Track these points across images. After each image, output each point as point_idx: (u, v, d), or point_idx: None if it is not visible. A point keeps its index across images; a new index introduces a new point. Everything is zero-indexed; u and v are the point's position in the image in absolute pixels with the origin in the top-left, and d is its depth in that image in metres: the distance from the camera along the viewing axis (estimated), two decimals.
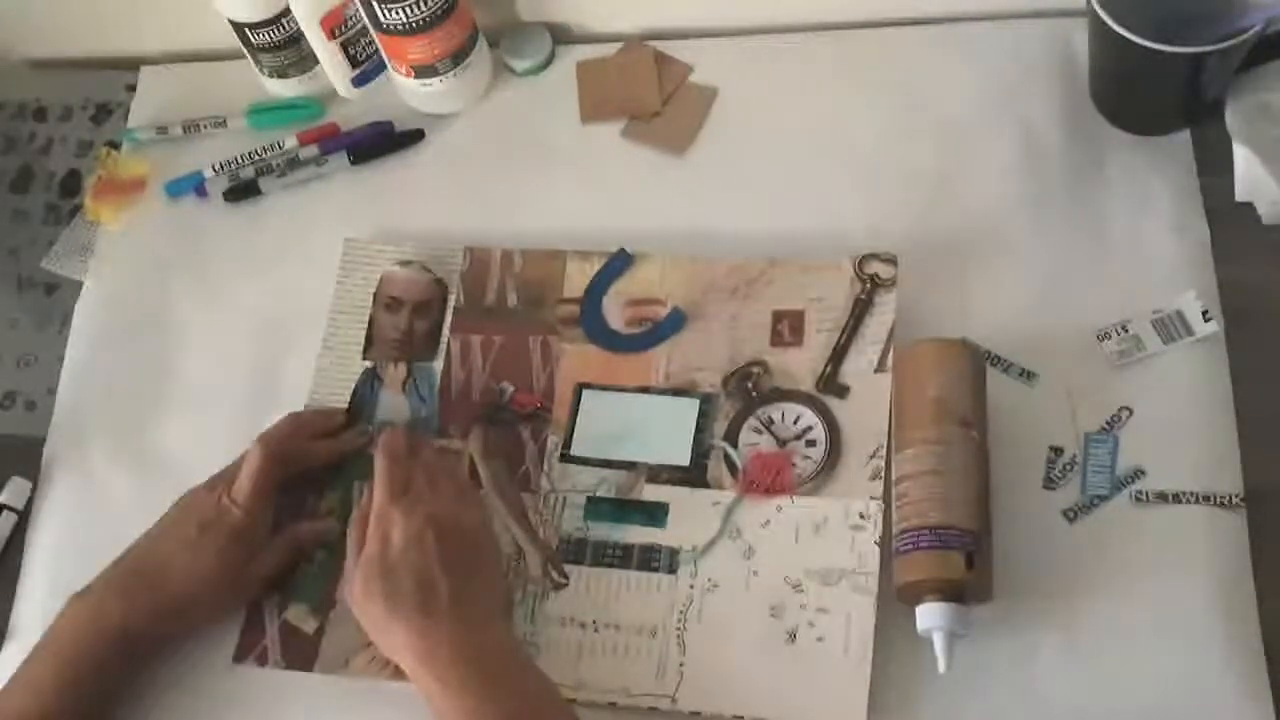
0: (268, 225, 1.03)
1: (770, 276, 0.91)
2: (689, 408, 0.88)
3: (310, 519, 0.90)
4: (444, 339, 0.94)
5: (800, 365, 0.88)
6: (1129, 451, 0.83)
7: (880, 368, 0.86)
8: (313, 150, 1.05)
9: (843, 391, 0.87)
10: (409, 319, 0.96)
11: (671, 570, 0.84)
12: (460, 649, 0.75)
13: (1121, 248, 0.89)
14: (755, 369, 0.89)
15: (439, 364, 0.94)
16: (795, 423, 0.86)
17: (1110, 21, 0.84)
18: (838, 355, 0.88)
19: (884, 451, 0.83)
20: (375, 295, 0.97)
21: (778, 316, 0.90)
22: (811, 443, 0.86)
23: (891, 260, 0.89)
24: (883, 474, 0.83)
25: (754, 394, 0.88)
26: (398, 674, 0.79)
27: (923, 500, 0.78)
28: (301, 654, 0.86)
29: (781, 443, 0.86)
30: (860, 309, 0.89)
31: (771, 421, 0.87)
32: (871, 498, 0.82)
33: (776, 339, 0.89)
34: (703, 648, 0.81)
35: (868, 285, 0.89)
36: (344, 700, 0.85)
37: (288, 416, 0.91)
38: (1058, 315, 0.88)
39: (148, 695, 0.86)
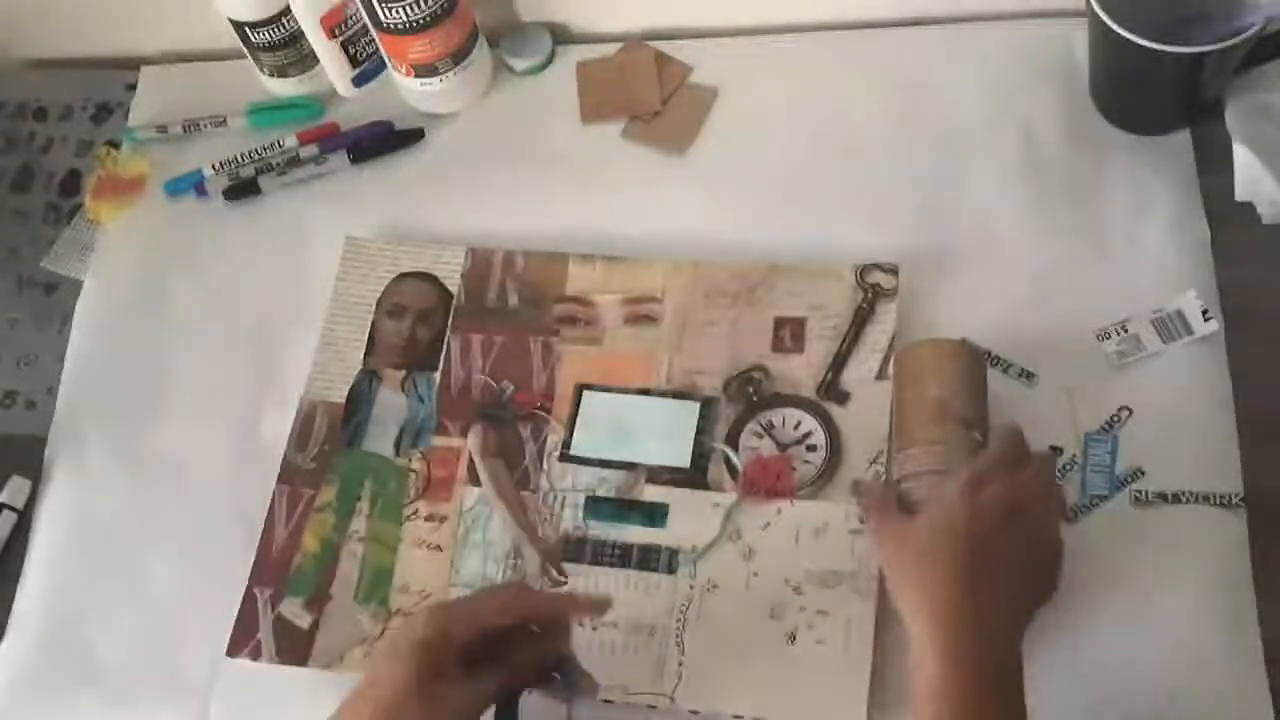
0: (268, 224, 1.03)
1: (772, 283, 0.91)
2: (690, 410, 0.88)
3: None
4: (446, 346, 0.94)
5: (801, 371, 0.88)
6: (1129, 451, 0.83)
7: (881, 375, 0.86)
8: (313, 149, 1.05)
9: (843, 398, 0.87)
10: (412, 326, 0.95)
11: (671, 570, 0.84)
12: (977, 641, 0.70)
13: (1121, 247, 0.89)
14: (756, 374, 0.88)
15: (440, 376, 0.93)
16: (796, 428, 0.86)
17: (1110, 21, 0.84)
18: (839, 362, 0.88)
19: (884, 457, 0.84)
20: (379, 302, 0.97)
21: (779, 323, 0.90)
22: (812, 448, 0.86)
23: (893, 270, 0.89)
24: (883, 479, 0.83)
25: (755, 398, 0.88)
26: None
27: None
28: (295, 649, 0.86)
29: (782, 447, 0.86)
30: (862, 318, 0.88)
31: (772, 426, 0.87)
32: None
33: (778, 344, 0.89)
34: (702, 647, 0.81)
35: (869, 295, 0.89)
36: (337, 695, 0.82)
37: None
38: (1058, 315, 0.87)
39: (139, 690, 0.87)
